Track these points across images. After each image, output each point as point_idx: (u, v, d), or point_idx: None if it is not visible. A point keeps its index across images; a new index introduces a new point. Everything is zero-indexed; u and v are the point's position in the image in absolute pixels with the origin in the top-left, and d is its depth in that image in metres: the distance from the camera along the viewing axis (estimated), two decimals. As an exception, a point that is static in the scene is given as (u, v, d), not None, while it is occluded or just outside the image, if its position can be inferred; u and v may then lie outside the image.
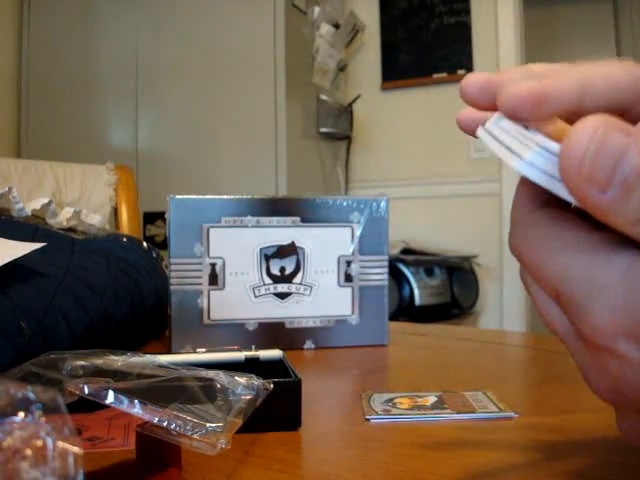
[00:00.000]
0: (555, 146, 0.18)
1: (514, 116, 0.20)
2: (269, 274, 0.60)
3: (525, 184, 0.22)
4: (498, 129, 0.21)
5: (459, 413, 0.38)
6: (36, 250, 0.45)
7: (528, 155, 0.19)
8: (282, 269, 0.60)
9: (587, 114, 0.19)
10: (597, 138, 0.16)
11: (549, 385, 0.47)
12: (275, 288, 0.60)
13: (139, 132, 2.45)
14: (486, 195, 2.55)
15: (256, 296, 0.59)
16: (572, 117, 0.20)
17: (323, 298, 0.61)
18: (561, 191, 0.18)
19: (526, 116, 0.20)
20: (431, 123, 2.66)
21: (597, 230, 0.18)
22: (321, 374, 0.53)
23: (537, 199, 0.21)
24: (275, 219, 0.60)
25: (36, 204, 0.60)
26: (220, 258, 0.58)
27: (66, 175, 1.30)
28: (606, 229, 0.18)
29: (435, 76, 2.65)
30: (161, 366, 0.31)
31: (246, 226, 0.59)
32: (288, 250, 0.60)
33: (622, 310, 0.17)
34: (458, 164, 2.61)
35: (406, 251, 2.30)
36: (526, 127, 0.20)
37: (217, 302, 0.58)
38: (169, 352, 0.56)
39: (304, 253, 0.60)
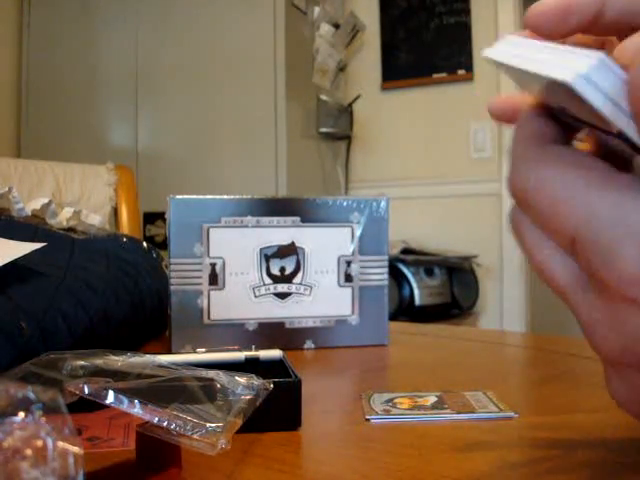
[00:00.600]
0: (616, 67, 0.16)
1: (541, 33, 0.20)
2: (269, 274, 0.60)
3: (533, 116, 0.20)
4: (521, 44, 0.19)
5: (459, 413, 0.38)
6: (36, 250, 0.45)
7: (586, 65, 0.15)
8: (282, 269, 0.60)
9: (607, 24, 0.19)
10: None
11: (549, 385, 0.47)
12: (275, 288, 0.60)
13: (139, 132, 2.45)
14: (486, 195, 2.55)
15: (256, 296, 0.59)
16: (589, 32, 0.20)
17: (323, 298, 0.61)
18: (624, 124, 0.15)
19: (553, 30, 0.19)
20: (431, 123, 2.66)
21: (624, 172, 0.17)
22: (321, 374, 0.53)
23: (546, 134, 0.20)
24: (275, 219, 0.60)
25: (36, 204, 0.60)
26: (220, 258, 0.58)
27: (66, 175, 1.30)
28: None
29: (435, 76, 2.65)
30: (161, 366, 0.31)
31: (246, 226, 0.59)
32: (288, 250, 0.60)
33: None
34: (458, 164, 2.61)
35: (406, 251, 2.30)
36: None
37: (217, 302, 0.58)
38: (169, 352, 0.56)
39: (304, 253, 0.60)
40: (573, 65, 0.16)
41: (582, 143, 0.23)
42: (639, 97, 0.15)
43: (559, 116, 0.20)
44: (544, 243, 0.19)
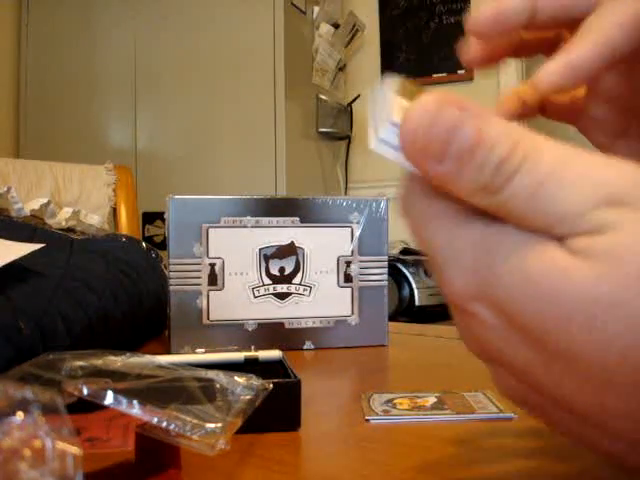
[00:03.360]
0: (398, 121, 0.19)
1: (481, 37, 0.25)
2: (268, 274, 0.60)
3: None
4: (375, 98, 0.20)
5: (459, 414, 0.38)
6: (35, 250, 0.45)
7: (381, 132, 0.19)
8: (281, 269, 0.60)
9: (542, 25, 0.25)
10: (430, 112, 0.17)
11: (549, 385, 0.46)
12: (274, 288, 0.60)
13: (138, 132, 2.45)
14: (485, 195, 2.55)
15: (255, 296, 0.59)
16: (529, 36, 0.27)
17: (323, 298, 0.61)
18: (406, 164, 0.19)
19: (489, 33, 0.25)
20: (431, 123, 2.66)
21: (461, 201, 0.19)
22: (321, 374, 0.53)
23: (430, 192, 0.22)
24: (274, 219, 0.60)
25: (35, 204, 0.60)
26: (219, 258, 0.58)
27: (65, 175, 1.30)
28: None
29: (435, 76, 2.65)
30: (160, 366, 0.31)
31: (245, 226, 0.59)
32: (287, 250, 0.60)
33: (473, 274, 0.18)
34: (457, 164, 2.61)
35: (406, 251, 2.30)
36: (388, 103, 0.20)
37: (216, 302, 0.58)
38: (168, 352, 0.56)
39: (303, 253, 0.60)
40: (378, 129, 0.19)
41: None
42: (403, 139, 0.18)
43: None
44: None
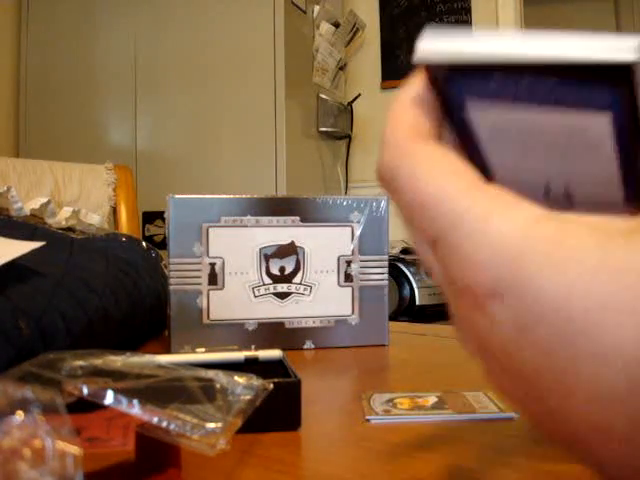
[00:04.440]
0: None
1: None
2: (269, 274, 0.60)
3: (415, 104, 0.21)
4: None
5: (459, 413, 0.38)
6: (35, 250, 0.45)
7: (635, 41, 0.16)
8: (282, 269, 0.60)
9: None
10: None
11: (549, 385, 0.46)
12: (275, 288, 0.60)
13: (138, 131, 2.45)
14: (486, 194, 2.54)
15: (256, 296, 0.59)
16: None
17: (323, 298, 0.61)
18: None
19: None
20: (431, 122, 2.65)
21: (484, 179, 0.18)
22: (321, 374, 0.53)
23: (421, 130, 0.20)
24: (275, 219, 0.60)
25: (35, 204, 0.60)
26: (220, 258, 0.58)
27: (65, 175, 1.30)
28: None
29: (435, 75, 2.65)
30: (160, 366, 0.31)
31: (245, 226, 0.59)
32: (288, 250, 0.60)
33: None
34: (458, 163, 2.61)
35: (406, 251, 2.30)
36: None
37: (216, 302, 0.58)
38: (168, 352, 0.56)
39: (304, 253, 0.60)
40: (614, 46, 0.15)
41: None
42: None
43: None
44: (420, 239, 0.19)
